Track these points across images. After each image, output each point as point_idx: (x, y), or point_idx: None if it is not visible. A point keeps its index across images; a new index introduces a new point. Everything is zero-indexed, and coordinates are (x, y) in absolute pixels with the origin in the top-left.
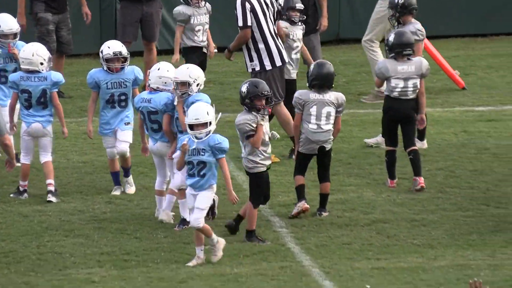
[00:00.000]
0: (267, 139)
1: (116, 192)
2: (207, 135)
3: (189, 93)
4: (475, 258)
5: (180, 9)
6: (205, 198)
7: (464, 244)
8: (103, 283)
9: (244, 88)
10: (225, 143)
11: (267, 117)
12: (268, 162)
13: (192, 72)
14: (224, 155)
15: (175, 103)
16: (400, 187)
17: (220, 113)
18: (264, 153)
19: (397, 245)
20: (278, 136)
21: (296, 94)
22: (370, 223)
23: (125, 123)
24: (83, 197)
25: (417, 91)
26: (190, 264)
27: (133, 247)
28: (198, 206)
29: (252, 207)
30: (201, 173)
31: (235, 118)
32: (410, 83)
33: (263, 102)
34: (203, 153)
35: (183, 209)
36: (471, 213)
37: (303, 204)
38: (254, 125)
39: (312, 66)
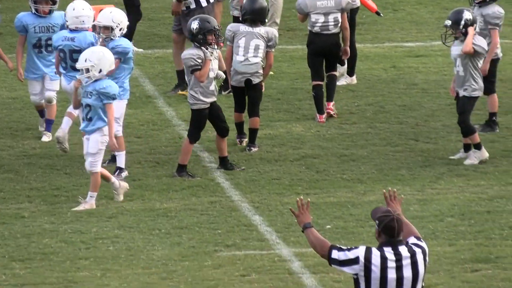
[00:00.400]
0: (211, 75)
1: (45, 139)
2: (96, 80)
3: (112, 37)
4: (404, 193)
5: None
6: (94, 142)
7: (394, 179)
8: (32, 218)
9: (195, 25)
10: (110, 88)
11: (215, 53)
12: (210, 100)
13: (115, 17)
14: (110, 101)
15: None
16: (329, 123)
17: None
18: (207, 90)
19: (327, 180)
20: (224, 76)
21: (228, 27)
22: (299, 158)
23: (55, 72)
24: (12, 132)
25: (339, 25)
26: (79, 208)
27: (62, 182)
28: (89, 151)
29: (188, 142)
30: (88, 117)
31: (164, 54)
32: (331, 17)
33: (214, 37)
34: (90, 96)
35: (119, 157)
36: (401, 148)
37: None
38: (200, 61)
39: (245, 1)
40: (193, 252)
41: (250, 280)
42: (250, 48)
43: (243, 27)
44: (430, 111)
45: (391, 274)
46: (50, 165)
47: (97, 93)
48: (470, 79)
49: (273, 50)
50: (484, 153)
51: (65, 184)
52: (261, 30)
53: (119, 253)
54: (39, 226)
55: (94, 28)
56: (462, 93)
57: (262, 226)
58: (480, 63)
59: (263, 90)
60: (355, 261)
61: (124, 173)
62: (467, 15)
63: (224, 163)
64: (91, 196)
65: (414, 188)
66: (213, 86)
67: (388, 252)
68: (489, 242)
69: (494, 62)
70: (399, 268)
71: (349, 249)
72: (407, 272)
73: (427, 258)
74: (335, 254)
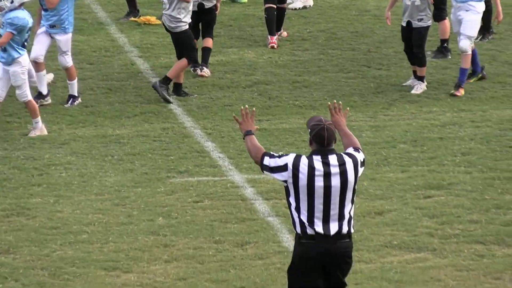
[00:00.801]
0: None
1: None
2: (10, 11)
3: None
4: (356, 119)
5: None
6: (16, 76)
7: (346, 106)
8: None
9: None
10: (16, 20)
11: None
12: (189, 20)
13: None
14: (10, 30)
15: None
16: (281, 49)
17: None
18: (187, 9)
19: (279, 107)
20: None
21: None
22: (251, 84)
23: None
24: None
25: None
26: (31, 134)
27: (15, 109)
28: (13, 83)
29: (186, 62)
30: (2, 47)
31: None
32: None
33: None
34: (2, 27)
35: (39, 82)
36: (353, 75)
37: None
38: None
39: None
40: (146, 178)
41: (203, 206)
42: None
43: None
44: (382, 37)
45: (319, 182)
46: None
47: (7, 24)
48: (426, 8)
49: None
50: (424, 85)
51: (17, 110)
52: None
53: (72, 180)
54: None
55: None
56: (417, 23)
57: (214, 152)
58: None
59: (218, 12)
60: (284, 168)
61: (77, 101)
62: None
63: (178, 90)
64: (36, 122)
65: (366, 115)
66: (191, 6)
67: (317, 160)
68: (442, 168)
69: None
70: (326, 176)
71: (280, 156)
72: (335, 181)
73: (359, 168)
74: (266, 161)
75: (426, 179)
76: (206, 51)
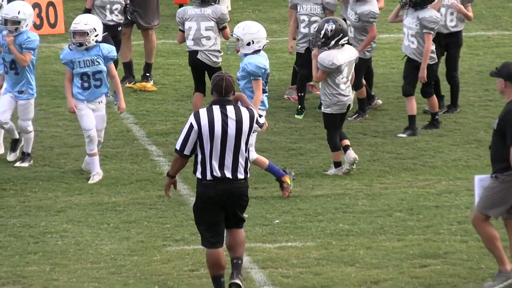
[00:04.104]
0: None
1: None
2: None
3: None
4: (352, 187)
5: None
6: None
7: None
8: None
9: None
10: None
11: None
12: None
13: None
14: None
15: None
16: (277, 116)
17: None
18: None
19: None
20: None
21: None
22: None
23: None
24: None
25: None
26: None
27: (11, 176)
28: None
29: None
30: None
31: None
32: None
33: None
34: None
35: None
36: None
37: None
38: None
39: None
40: (142, 246)
41: (199, 275)
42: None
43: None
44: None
45: (218, 127)
46: None
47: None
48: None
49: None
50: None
51: (13, 177)
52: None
53: (68, 248)
54: None
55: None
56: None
57: None
58: (335, 79)
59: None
60: (191, 128)
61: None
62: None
63: None
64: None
65: (362, 183)
66: None
67: (216, 109)
68: (438, 237)
69: (432, 66)
70: (224, 123)
71: (182, 131)
72: (231, 129)
73: (254, 122)
74: (177, 145)
75: (422, 248)
76: None
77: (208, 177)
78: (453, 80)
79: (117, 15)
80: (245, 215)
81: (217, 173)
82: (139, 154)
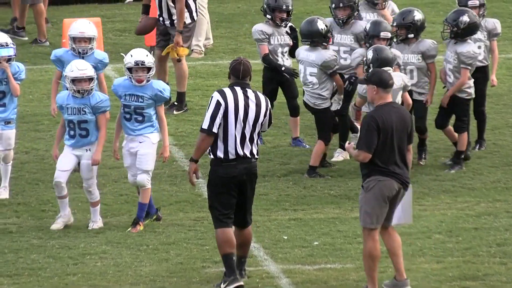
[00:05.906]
0: None
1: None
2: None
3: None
4: None
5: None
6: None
7: None
8: (20, 233)
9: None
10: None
11: None
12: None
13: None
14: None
15: None
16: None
17: None
18: (330, 88)
19: (314, 196)
20: None
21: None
22: (287, 173)
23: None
24: None
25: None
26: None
27: (50, 197)
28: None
29: (322, 144)
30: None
31: None
32: None
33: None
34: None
35: None
36: None
37: None
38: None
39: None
40: (181, 268)
41: None
42: None
43: None
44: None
45: (241, 107)
46: (37, 180)
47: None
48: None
49: None
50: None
51: (52, 199)
52: None
53: (107, 269)
54: (26, 241)
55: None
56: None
57: None
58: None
59: None
60: (218, 105)
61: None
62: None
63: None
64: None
65: None
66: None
67: (238, 89)
68: (477, 259)
69: (467, 101)
70: (246, 104)
71: (207, 109)
72: (252, 110)
73: (268, 111)
74: (204, 125)
75: (461, 270)
76: None
77: (232, 155)
78: (482, 114)
79: None
80: (285, 236)
81: (241, 151)
82: (178, 175)
